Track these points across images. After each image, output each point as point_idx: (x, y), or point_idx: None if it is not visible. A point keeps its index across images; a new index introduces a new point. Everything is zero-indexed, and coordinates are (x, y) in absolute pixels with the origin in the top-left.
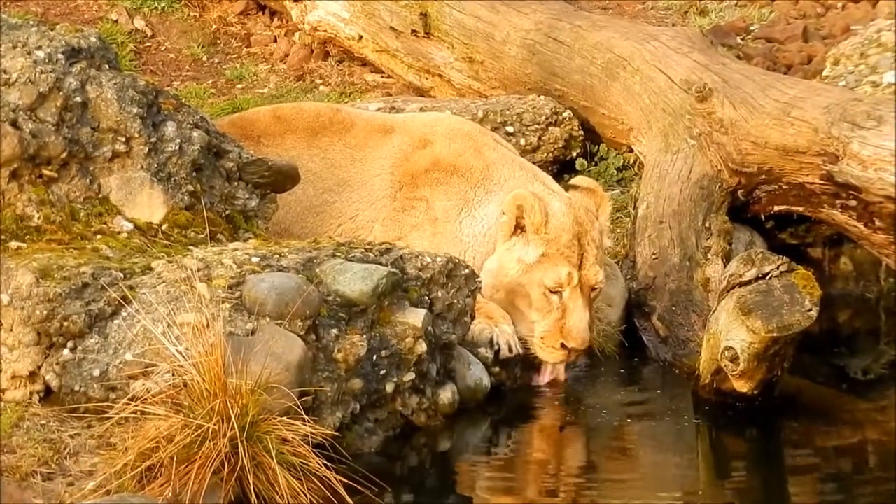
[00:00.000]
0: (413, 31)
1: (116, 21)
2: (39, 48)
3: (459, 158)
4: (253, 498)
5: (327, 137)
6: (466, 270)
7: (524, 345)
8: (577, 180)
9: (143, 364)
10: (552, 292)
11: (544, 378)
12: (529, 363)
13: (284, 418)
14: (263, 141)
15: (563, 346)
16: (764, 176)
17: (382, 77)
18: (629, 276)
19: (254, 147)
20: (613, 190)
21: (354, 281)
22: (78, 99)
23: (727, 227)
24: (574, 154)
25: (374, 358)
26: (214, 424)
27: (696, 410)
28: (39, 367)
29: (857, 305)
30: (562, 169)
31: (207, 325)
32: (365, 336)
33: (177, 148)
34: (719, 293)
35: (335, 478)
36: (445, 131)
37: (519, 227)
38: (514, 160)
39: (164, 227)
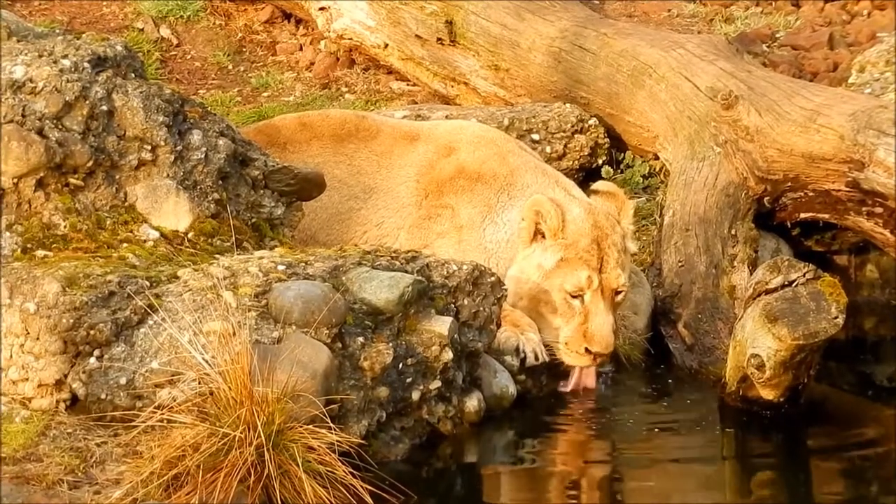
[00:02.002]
0: (438, 38)
1: (142, 30)
2: (65, 57)
3: (484, 165)
4: None
5: (353, 144)
6: (492, 278)
7: (550, 351)
8: (598, 185)
9: (170, 372)
10: (573, 297)
11: (571, 384)
12: (556, 371)
13: (311, 426)
14: (289, 148)
15: (587, 350)
16: (790, 183)
17: (408, 85)
18: (655, 284)
19: (280, 154)
20: (639, 197)
21: (380, 289)
22: (104, 107)
23: (753, 235)
24: (600, 161)
25: (401, 366)
26: (241, 433)
27: (722, 418)
28: (66, 376)
29: (882, 312)
30: (588, 176)
31: (233, 334)
32: (391, 344)
33: (203, 156)
34: (745, 300)
35: (361, 485)
36: (470, 138)
37: (538, 233)
38: (536, 166)
39: (190, 235)
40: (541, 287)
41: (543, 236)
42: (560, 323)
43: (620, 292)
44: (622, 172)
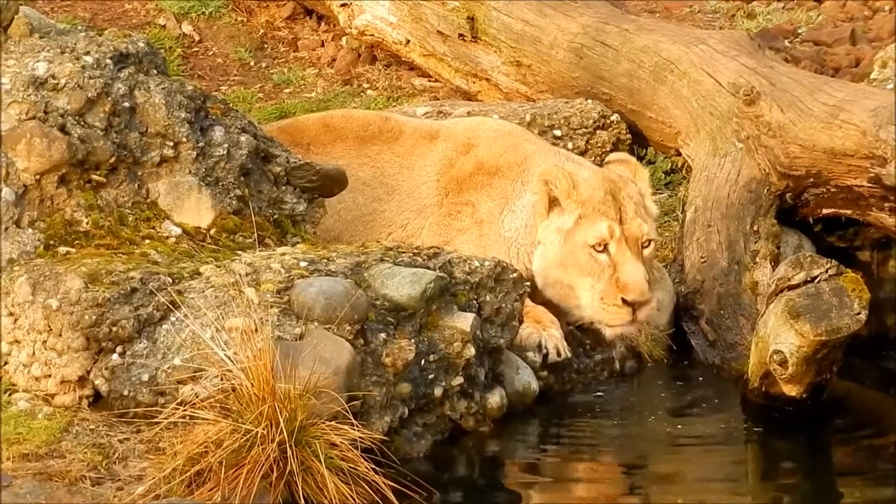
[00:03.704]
0: (460, 34)
1: (164, 26)
2: (88, 53)
3: (501, 158)
4: (302, 502)
5: (376, 146)
6: (514, 274)
7: (589, 320)
8: (611, 156)
9: (192, 369)
10: (598, 252)
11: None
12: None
13: (333, 423)
14: (313, 149)
15: (623, 301)
16: (812, 179)
17: (430, 81)
18: (677, 280)
19: (303, 154)
20: (661, 194)
21: (402, 285)
22: (126, 104)
23: (775, 231)
24: None
25: (423, 362)
26: (263, 429)
27: (744, 414)
28: (89, 372)
29: None
30: None
31: (256, 330)
32: (413, 340)
33: (224, 152)
34: (768, 297)
35: (384, 482)
36: (488, 133)
37: (553, 203)
38: (549, 149)
39: (212, 231)
40: (565, 251)
41: (558, 204)
42: (591, 283)
43: (647, 245)
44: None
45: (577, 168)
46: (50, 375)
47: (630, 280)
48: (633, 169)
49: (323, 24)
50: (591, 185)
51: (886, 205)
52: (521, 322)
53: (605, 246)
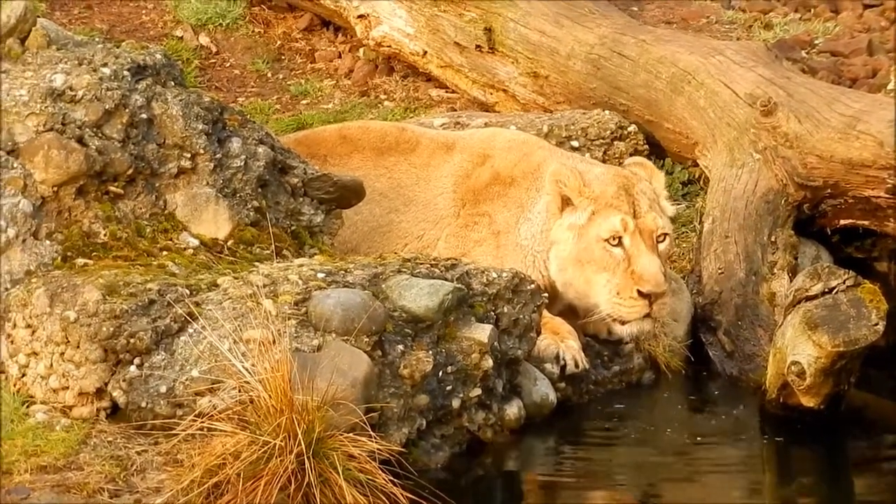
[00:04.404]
0: (477, 46)
1: (181, 38)
2: (105, 65)
3: (516, 168)
4: None
5: (393, 157)
6: (532, 285)
7: (603, 315)
8: (628, 160)
9: (210, 380)
10: (613, 245)
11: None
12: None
13: (351, 434)
14: (330, 161)
15: (640, 294)
16: (829, 190)
17: (447, 92)
18: (695, 291)
19: (320, 166)
20: (679, 205)
21: (420, 297)
22: (143, 115)
23: (793, 242)
24: None
25: (441, 374)
26: (281, 441)
27: (762, 425)
28: (106, 384)
29: None
30: None
31: (273, 342)
32: (431, 352)
33: (242, 164)
34: (785, 308)
35: (402, 494)
36: (503, 144)
37: (565, 203)
38: (562, 154)
39: (229, 243)
40: (579, 247)
41: (571, 203)
42: (606, 278)
43: (662, 239)
44: None
45: (589, 167)
46: (68, 387)
47: (646, 271)
48: (649, 171)
49: (340, 35)
50: (603, 181)
51: None
52: (538, 333)
53: (620, 239)
